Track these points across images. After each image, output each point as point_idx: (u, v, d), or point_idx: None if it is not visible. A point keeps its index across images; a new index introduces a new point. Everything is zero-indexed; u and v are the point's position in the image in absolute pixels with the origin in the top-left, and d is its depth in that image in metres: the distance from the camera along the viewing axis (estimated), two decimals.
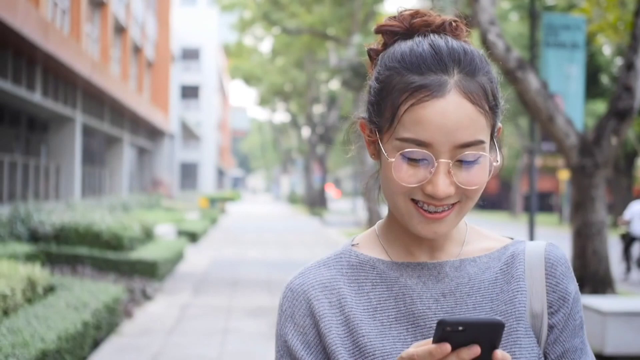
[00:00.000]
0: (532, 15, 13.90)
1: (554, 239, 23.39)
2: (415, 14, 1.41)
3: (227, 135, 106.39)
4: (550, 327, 1.42)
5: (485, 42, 10.97)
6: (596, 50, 30.26)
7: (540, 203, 57.46)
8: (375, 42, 1.47)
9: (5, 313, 7.51)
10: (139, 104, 35.08)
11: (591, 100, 32.23)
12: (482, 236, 1.51)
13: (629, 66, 10.72)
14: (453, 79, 1.30)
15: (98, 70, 25.02)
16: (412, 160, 1.30)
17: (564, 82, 12.50)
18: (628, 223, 16.89)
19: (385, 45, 1.43)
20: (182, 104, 68.06)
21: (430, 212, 1.33)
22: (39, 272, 8.99)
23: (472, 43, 1.40)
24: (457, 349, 1.13)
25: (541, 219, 45.52)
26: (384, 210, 1.52)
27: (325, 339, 1.40)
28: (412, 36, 1.39)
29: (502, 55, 10.81)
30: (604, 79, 34.69)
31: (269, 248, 22.98)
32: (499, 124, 1.39)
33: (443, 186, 1.29)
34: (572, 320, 1.44)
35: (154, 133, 46.12)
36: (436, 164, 1.29)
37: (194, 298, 12.76)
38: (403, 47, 1.37)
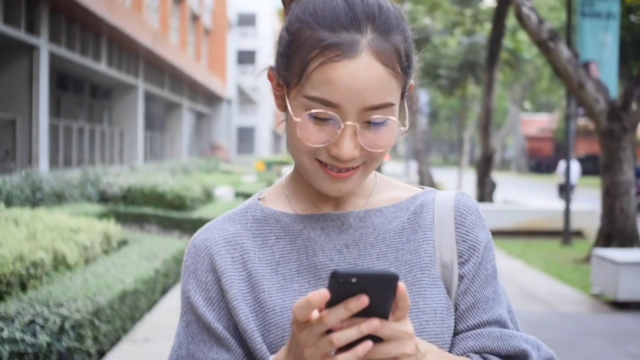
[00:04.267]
0: None
1: (594, 199, 23.85)
2: None
3: None
4: (461, 278, 1.37)
5: (519, 15, 11.69)
6: None
7: (598, 166, 56.90)
8: None
9: (87, 262, 8.56)
10: (197, 70, 36.00)
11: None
12: (391, 186, 1.47)
13: None
14: (366, 39, 1.23)
15: (158, 40, 26.00)
16: (319, 120, 1.24)
17: (599, 50, 13.08)
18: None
19: None
20: (238, 69, 68.62)
21: (334, 172, 1.29)
22: (113, 228, 9.89)
23: None
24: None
25: (593, 182, 45.41)
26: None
27: (226, 294, 1.34)
28: None
29: (535, 27, 11.50)
30: None
31: None
32: (411, 82, 1.33)
33: (348, 148, 1.24)
34: (483, 270, 1.39)
35: (212, 98, 47.12)
36: (343, 126, 1.23)
37: None
38: None
